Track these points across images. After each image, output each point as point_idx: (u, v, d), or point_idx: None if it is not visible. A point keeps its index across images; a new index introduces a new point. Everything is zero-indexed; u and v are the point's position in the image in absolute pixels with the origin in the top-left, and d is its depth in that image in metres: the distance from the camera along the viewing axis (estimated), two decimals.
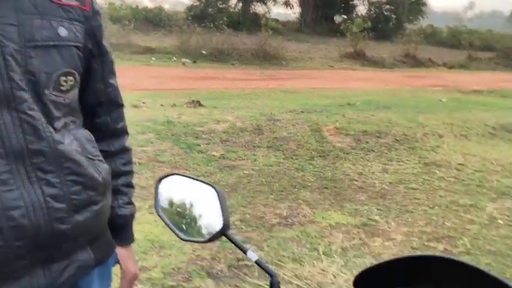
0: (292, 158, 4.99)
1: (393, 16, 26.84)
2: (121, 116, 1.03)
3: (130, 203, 1.07)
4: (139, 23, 24.32)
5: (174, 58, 15.94)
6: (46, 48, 0.80)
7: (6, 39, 0.75)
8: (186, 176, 0.95)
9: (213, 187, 0.88)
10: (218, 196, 0.86)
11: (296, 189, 4.21)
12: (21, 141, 0.77)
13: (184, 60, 15.63)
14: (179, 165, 4.36)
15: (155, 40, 19.74)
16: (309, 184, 4.36)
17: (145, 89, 9.48)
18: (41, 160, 0.79)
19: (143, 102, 7.20)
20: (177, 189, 0.96)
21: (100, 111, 0.98)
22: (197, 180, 0.94)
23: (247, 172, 4.48)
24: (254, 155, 4.97)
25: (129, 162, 1.05)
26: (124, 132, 1.05)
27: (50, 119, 0.81)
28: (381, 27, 24.18)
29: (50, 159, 0.80)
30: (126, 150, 1.05)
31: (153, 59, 15.60)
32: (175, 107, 6.96)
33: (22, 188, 0.77)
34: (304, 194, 4.12)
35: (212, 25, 18.47)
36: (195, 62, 15.65)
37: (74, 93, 0.87)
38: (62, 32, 0.82)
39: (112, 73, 0.99)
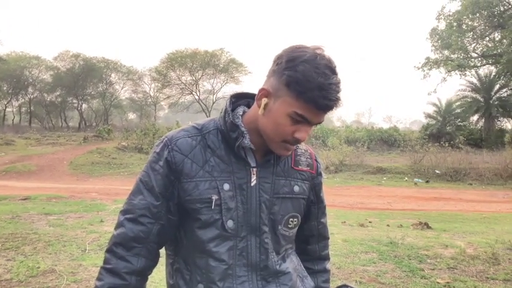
0: None
1: None
2: (327, 245, 1.33)
3: None
4: (373, 144, 25.52)
5: (406, 178, 15.90)
6: (284, 199, 1.13)
7: (263, 191, 1.10)
8: None
9: None
10: None
11: None
12: (257, 258, 1.09)
13: (416, 180, 15.42)
14: None
15: (387, 160, 20.19)
16: None
17: (374, 208, 9.74)
18: (266, 273, 1.11)
19: (370, 222, 7.44)
20: None
21: (311, 240, 1.30)
22: None
23: None
24: None
25: (327, 281, 1.31)
26: (327, 257, 1.33)
27: (277, 246, 1.13)
28: None
29: (271, 274, 1.11)
30: (326, 271, 1.32)
31: (384, 178, 15.92)
32: (401, 227, 6.95)
33: None
34: None
35: (448, 144, 17.92)
36: (427, 181, 15.27)
37: (296, 230, 1.20)
38: (296, 188, 1.15)
39: (324, 214, 1.30)
